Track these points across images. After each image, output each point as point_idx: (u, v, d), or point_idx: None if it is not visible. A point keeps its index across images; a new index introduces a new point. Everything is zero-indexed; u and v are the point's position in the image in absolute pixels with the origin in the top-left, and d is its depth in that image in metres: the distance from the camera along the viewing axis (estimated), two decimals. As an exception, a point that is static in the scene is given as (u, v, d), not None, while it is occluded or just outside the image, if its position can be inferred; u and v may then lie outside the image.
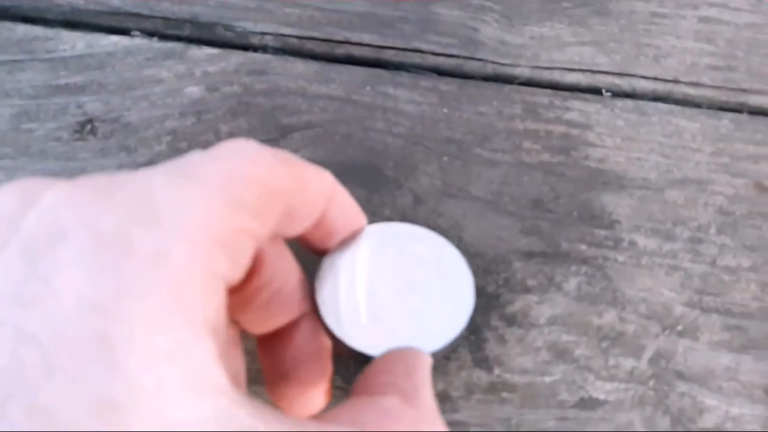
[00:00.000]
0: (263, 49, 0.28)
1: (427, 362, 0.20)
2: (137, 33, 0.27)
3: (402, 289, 0.22)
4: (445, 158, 0.27)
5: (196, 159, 0.16)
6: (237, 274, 0.16)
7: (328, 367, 0.22)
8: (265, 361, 0.22)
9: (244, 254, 0.16)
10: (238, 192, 0.16)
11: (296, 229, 0.20)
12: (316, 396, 0.22)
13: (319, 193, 0.20)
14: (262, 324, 0.21)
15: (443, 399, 0.25)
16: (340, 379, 0.24)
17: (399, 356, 0.20)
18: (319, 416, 0.18)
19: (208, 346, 0.14)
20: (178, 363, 0.13)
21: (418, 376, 0.19)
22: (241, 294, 0.20)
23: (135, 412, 0.12)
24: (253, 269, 0.19)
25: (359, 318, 0.22)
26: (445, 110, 0.27)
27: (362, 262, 0.22)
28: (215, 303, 0.15)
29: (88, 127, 0.26)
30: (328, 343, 0.22)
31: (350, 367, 0.24)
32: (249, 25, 0.28)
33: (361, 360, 0.21)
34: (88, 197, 0.14)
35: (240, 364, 0.21)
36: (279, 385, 0.21)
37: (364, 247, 0.22)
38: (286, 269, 0.21)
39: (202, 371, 0.13)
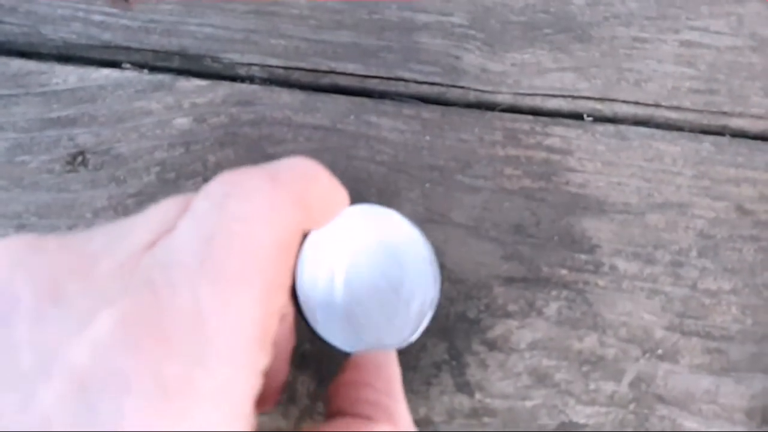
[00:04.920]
0: (250, 79, 0.28)
1: (396, 363, 0.21)
2: (128, 66, 0.28)
3: (376, 283, 0.23)
4: (428, 185, 0.28)
5: (224, 243, 0.16)
6: (270, 351, 0.17)
7: (285, 370, 0.22)
8: None
9: (275, 328, 0.17)
10: (270, 274, 0.16)
11: None
12: (268, 397, 0.22)
13: (318, 207, 0.20)
14: None
15: (425, 424, 0.26)
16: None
17: (375, 365, 0.21)
18: None
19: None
20: None
21: (397, 389, 0.20)
22: None
23: None
24: None
25: (334, 313, 0.23)
26: (427, 138, 0.28)
27: (341, 253, 0.23)
28: (253, 395, 0.16)
29: (80, 158, 0.27)
30: (290, 344, 0.22)
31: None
32: (236, 57, 0.29)
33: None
34: (147, 335, 0.15)
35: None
36: None
37: (344, 237, 0.23)
38: None
39: None
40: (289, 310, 0.22)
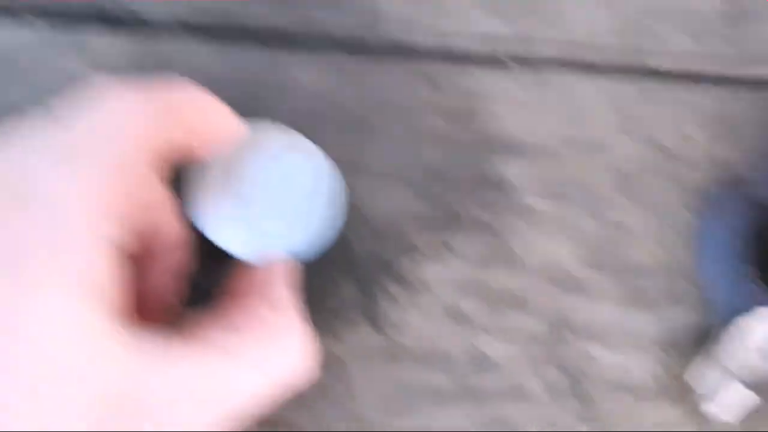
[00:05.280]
0: (161, 32, 0.29)
1: (292, 269, 0.23)
2: (34, 21, 0.28)
3: (274, 196, 0.24)
4: (345, 132, 0.28)
5: (80, 132, 0.18)
6: (134, 239, 0.19)
7: (169, 288, 0.23)
8: None
9: (138, 218, 0.19)
10: (121, 158, 0.18)
11: (174, 157, 0.21)
12: (149, 310, 0.23)
13: (200, 124, 0.21)
14: None
15: (339, 363, 0.26)
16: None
17: (266, 266, 0.23)
18: (196, 320, 0.20)
19: (98, 305, 0.17)
20: (69, 325, 0.16)
21: (283, 285, 0.22)
22: None
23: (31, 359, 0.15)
24: None
25: (238, 226, 0.24)
26: (346, 86, 0.28)
27: (235, 165, 0.24)
28: (103, 265, 0.17)
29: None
30: (178, 262, 0.23)
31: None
32: (146, 8, 0.28)
33: (226, 259, 0.24)
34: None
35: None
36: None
37: (239, 150, 0.24)
38: None
39: (90, 327, 0.16)
40: (175, 228, 0.23)
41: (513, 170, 0.28)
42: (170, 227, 0.22)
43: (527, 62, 0.29)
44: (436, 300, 0.27)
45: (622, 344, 0.27)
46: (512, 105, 0.29)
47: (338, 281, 0.27)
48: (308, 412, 0.26)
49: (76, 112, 0.18)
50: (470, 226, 0.28)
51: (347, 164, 0.28)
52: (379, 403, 0.26)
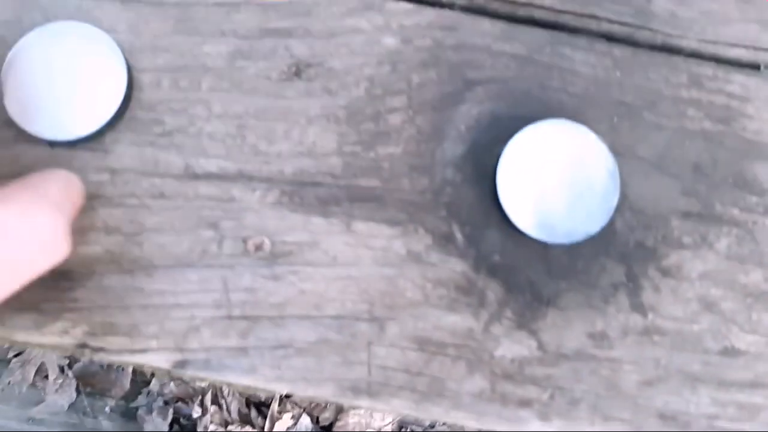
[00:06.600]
0: (452, 6, 0.30)
1: (67, 178, 0.26)
2: None
3: (567, 186, 0.28)
4: (615, 119, 0.29)
5: None
6: None
7: None
8: None
9: None
10: None
11: None
12: None
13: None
14: None
15: (602, 338, 0.28)
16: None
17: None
18: None
19: None
20: None
21: (50, 180, 0.25)
22: None
23: None
24: None
25: (530, 210, 0.27)
26: (617, 74, 0.30)
27: (539, 160, 0.28)
28: None
29: (294, 69, 0.29)
30: None
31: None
32: (441, -15, 0.30)
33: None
34: None
35: None
36: None
37: (541, 147, 0.28)
38: None
39: None
40: None
41: None
42: None
43: (786, 72, 0.30)
44: (692, 289, 0.29)
45: None
46: (769, 111, 0.30)
47: (605, 262, 0.28)
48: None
49: None
50: (727, 224, 0.29)
51: (617, 151, 0.29)
52: (637, 376, 0.28)
